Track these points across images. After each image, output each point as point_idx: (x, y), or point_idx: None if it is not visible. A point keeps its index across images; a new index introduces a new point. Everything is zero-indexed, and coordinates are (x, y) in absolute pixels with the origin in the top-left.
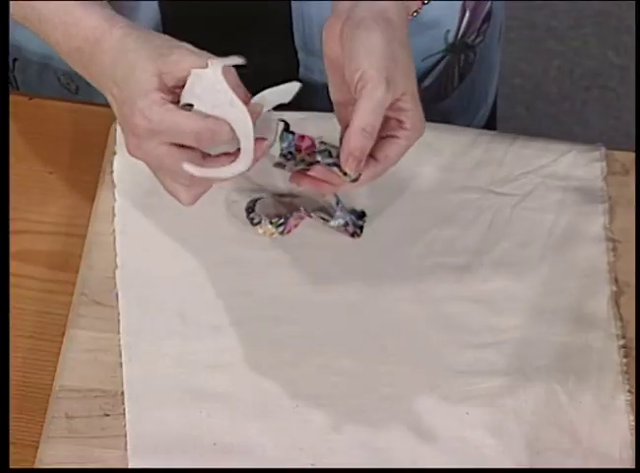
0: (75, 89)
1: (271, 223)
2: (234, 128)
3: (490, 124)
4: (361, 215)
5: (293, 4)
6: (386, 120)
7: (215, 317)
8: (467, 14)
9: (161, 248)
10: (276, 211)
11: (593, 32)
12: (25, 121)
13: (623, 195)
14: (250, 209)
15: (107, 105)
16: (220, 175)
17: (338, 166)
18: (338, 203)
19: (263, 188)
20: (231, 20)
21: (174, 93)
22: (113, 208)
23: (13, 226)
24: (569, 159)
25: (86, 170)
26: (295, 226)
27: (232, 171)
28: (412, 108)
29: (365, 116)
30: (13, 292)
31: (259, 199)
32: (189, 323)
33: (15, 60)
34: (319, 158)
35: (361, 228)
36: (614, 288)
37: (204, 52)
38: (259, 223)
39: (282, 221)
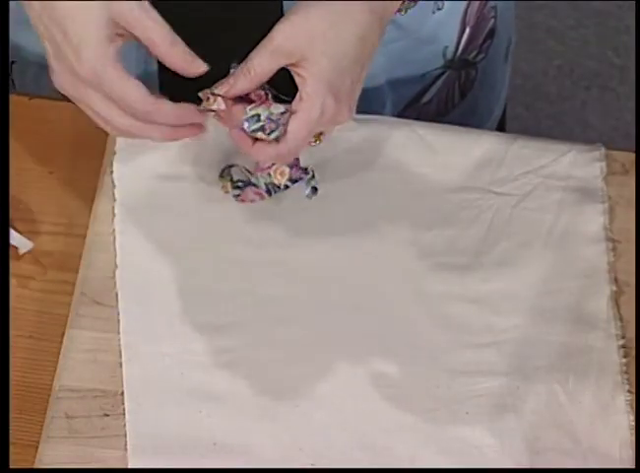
0: None
1: (231, 180)
2: None
3: None
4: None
5: (285, 4)
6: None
7: (214, 317)
8: (467, 30)
9: (161, 248)
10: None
11: (593, 32)
12: (25, 121)
13: (623, 195)
14: (230, 166)
15: None
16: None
17: (263, 129)
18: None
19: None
20: (223, 19)
21: (118, 38)
22: (113, 208)
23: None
24: (569, 159)
25: (86, 170)
26: (252, 201)
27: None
28: (308, 78)
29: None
30: (13, 292)
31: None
32: (189, 323)
33: (13, 63)
34: (245, 124)
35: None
36: (614, 288)
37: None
38: (222, 175)
39: (240, 184)
